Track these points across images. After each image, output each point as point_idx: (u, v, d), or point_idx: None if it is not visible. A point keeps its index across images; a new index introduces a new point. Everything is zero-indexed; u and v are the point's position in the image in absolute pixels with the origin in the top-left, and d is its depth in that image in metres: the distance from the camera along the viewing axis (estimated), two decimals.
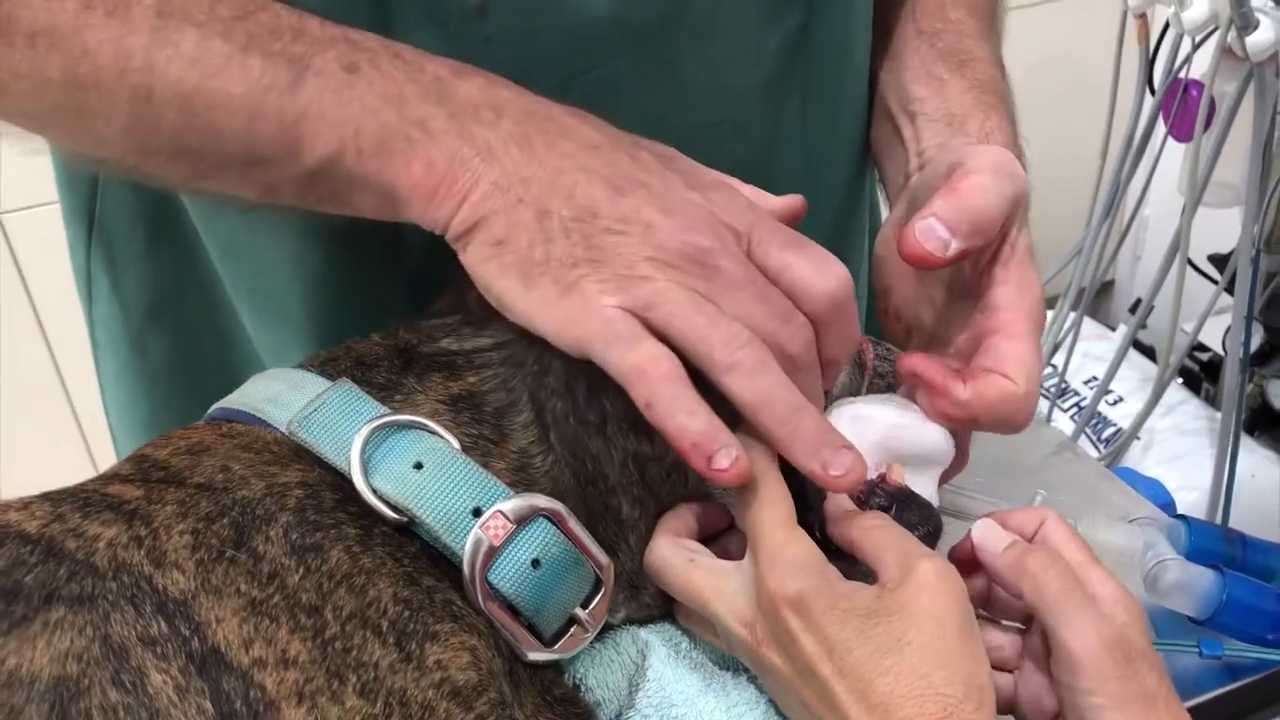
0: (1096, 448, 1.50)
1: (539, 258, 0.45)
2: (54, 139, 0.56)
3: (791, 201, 0.52)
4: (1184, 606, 0.54)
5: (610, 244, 0.45)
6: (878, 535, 0.45)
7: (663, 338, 0.44)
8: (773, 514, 0.44)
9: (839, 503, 0.48)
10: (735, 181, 0.50)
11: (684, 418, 0.43)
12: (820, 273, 0.46)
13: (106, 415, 0.80)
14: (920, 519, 0.47)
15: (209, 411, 0.49)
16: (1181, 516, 0.58)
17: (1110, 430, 1.52)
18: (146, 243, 0.68)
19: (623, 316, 0.44)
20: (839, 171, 0.71)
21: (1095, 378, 1.55)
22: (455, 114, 0.47)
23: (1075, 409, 1.56)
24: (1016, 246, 0.52)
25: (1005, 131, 0.59)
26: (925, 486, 0.49)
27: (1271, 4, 1.15)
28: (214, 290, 0.67)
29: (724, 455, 0.43)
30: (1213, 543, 0.58)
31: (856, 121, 0.69)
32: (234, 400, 0.48)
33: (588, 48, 0.57)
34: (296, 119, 0.47)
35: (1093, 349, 1.63)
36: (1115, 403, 1.55)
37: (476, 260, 0.46)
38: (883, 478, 0.48)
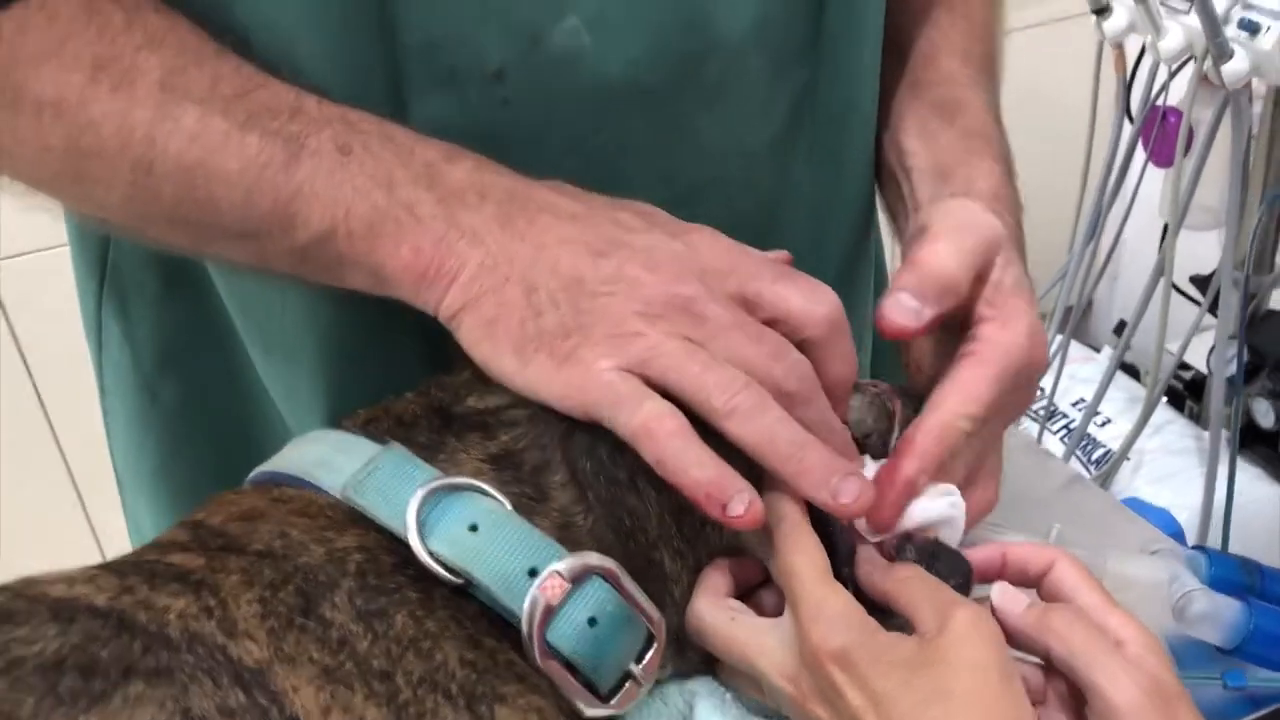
0: (1087, 469, 1.52)
1: (531, 333, 0.46)
2: (56, 201, 0.57)
3: (778, 257, 0.53)
4: (1211, 636, 0.56)
5: (599, 307, 0.46)
6: (911, 586, 0.46)
7: (662, 391, 0.45)
8: (809, 567, 0.45)
9: (871, 557, 0.48)
10: (722, 237, 0.52)
11: (695, 471, 0.44)
12: (813, 300, 0.48)
13: (114, 463, 0.79)
14: (950, 569, 0.48)
15: (253, 475, 0.50)
16: (1199, 547, 0.60)
17: (1100, 451, 1.54)
18: (159, 290, 0.69)
19: (623, 377, 0.45)
20: (843, 224, 0.72)
21: (1082, 399, 1.57)
22: (443, 198, 0.49)
23: (1064, 431, 1.58)
24: (1002, 283, 0.53)
25: (992, 174, 0.60)
26: (951, 535, 0.50)
27: (1245, 34, 1.17)
28: (226, 336, 0.68)
29: (738, 502, 0.44)
30: (1232, 573, 0.59)
31: (860, 175, 0.70)
32: (279, 463, 0.49)
33: (602, 110, 0.59)
34: (291, 197, 0.49)
35: (1078, 371, 1.65)
36: (1104, 424, 1.58)
37: (471, 342, 0.48)
38: (910, 535, 0.49)
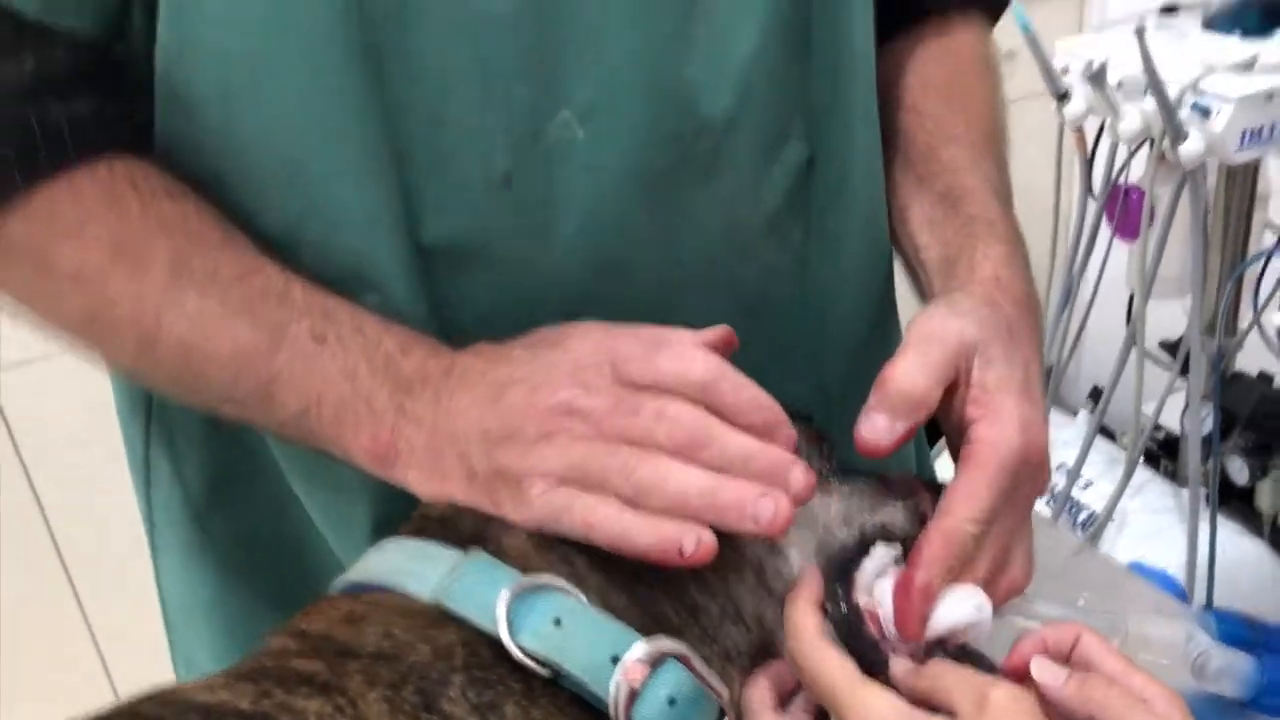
0: (1073, 531, 1.57)
1: (475, 489, 0.53)
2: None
3: (717, 335, 0.56)
4: (1229, 690, 0.60)
5: (506, 448, 0.52)
6: (944, 678, 0.49)
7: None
8: (842, 676, 0.49)
9: (902, 662, 0.52)
10: (595, 329, 0.56)
11: (640, 538, 0.49)
12: (683, 364, 0.52)
13: (162, 601, 0.81)
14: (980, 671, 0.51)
15: (337, 584, 0.54)
16: (1206, 607, 0.65)
17: (1084, 514, 1.60)
18: (205, 428, 0.73)
19: (553, 493, 0.51)
20: (852, 302, 0.74)
21: (1063, 463, 1.62)
22: (395, 390, 0.56)
23: (1049, 495, 1.64)
24: (984, 383, 0.56)
25: (994, 258, 0.63)
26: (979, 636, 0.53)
27: (1199, 117, 1.25)
28: (272, 467, 0.72)
29: (688, 543, 0.48)
30: (1239, 630, 0.64)
31: (865, 252, 0.72)
32: (363, 573, 0.53)
33: (602, 201, 0.62)
34: (271, 379, 0.56)
35: (1058, 435, 1.71)
36: (1085, 486, 1.63)
37: (437, 501, 0.54)
38: (942, 641, 0.53)
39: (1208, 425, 1.45)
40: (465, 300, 0.63)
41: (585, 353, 0.53)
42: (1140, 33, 1.21)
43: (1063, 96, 1.41)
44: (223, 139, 0.58)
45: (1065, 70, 1.43)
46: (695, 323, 0.56)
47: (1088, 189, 1.51)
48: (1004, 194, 0.70)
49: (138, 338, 0.57)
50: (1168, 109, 1.25)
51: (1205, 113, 1.25)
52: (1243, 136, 1.25)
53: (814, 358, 0.75)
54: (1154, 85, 1.24)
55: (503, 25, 0.57)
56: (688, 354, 0.52)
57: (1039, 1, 2.26)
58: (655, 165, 0.63)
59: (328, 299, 0.58)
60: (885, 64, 0.74)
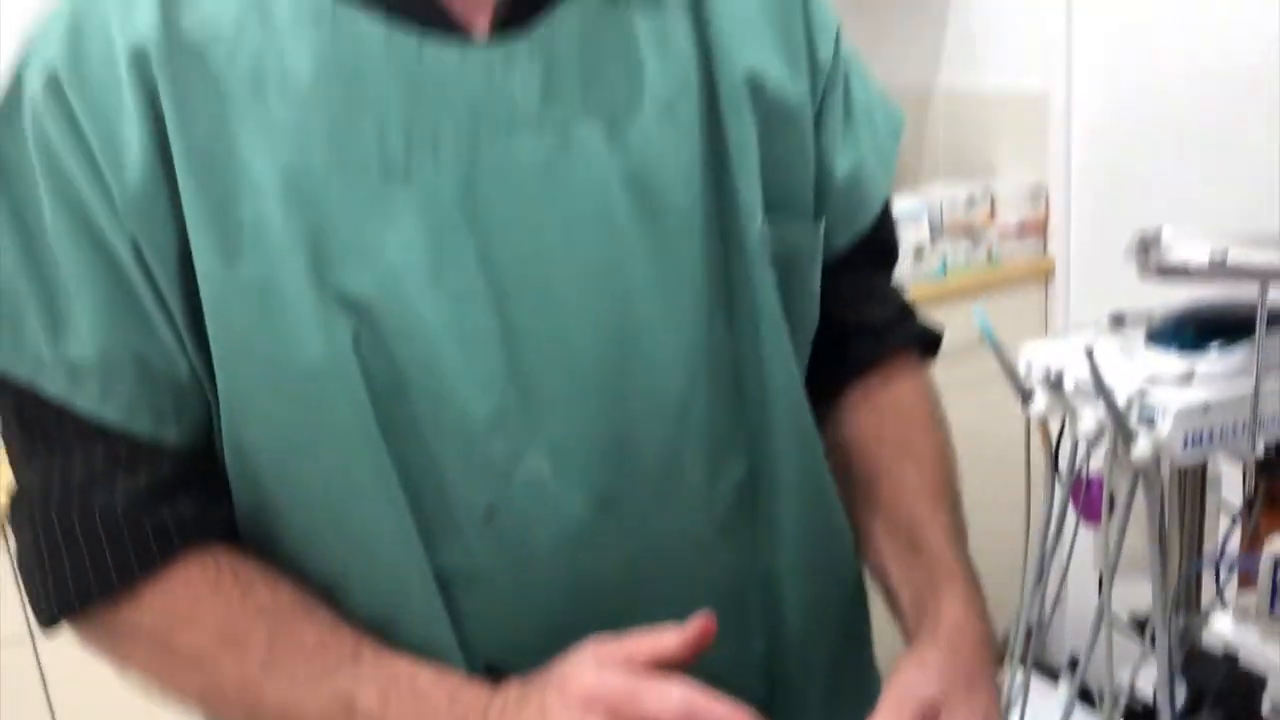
0: None
1: None
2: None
3: (695, 628, 0.69)
4: None
5: None
6: None
7: None
8: None
9: None
10: (590, 669, 0.67)
11: None
12: (662, 706, 0.64)
13: None
14: None
15: None
16: None
17: None
18: None
19: None
20: (807, 599, 0.86)
21: None
22: None
23: None
24: None
25: (954, 609, 0.78)
26: None
27: (1146, 426, 1.40)
28: None
29: None
30: None
31: (806, 551, 0.85)
32: None
33: (572, 527, 0.76)
34: None
35: (1039, 705, 1.79)
36: None
37: None
38: None
39: (1180, 696, 1.54)
40: (468, 620, 0.75)
41: (582, 700, 0.65)
42: (1090, 353, 1.37)
43: (1028, 396, 1.56)
44: (277, 507, 0.72)
45: (1029, 369, 1.58)
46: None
47: (1054, 476, 1.64)
48: (959, 537, 0.85)
49: (244, 709, 0.70)
50: (1117, 417, 1.40)
51: (1150, 421, 1.39)
52: (1185, 441, 1.40)
53: (777, 655, 0.87)
54: (1104, 397, 1.39)
55: (478, 393, 0.70)
56: (665, 694, 0.64)
57: (1005, 295, 2.48)
58: (613, 492, 0.76)
59: (390, 658, 0.70)
60: (838, 417, 0.89)
